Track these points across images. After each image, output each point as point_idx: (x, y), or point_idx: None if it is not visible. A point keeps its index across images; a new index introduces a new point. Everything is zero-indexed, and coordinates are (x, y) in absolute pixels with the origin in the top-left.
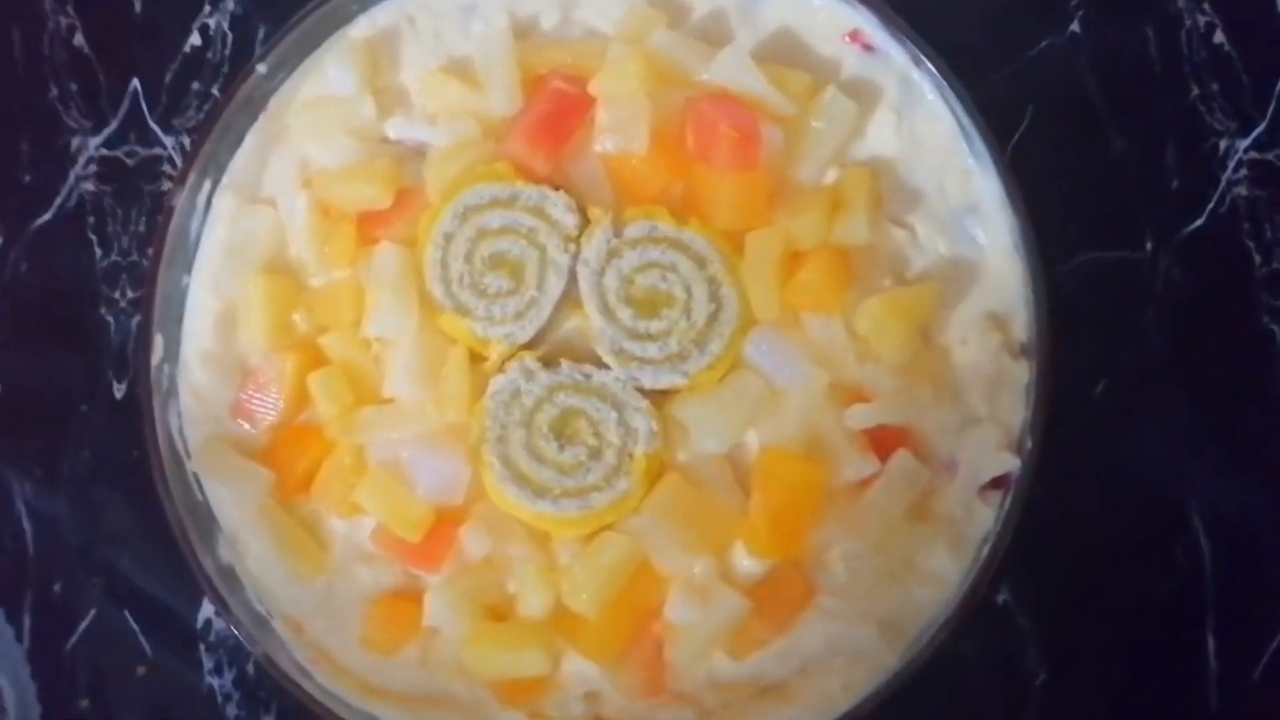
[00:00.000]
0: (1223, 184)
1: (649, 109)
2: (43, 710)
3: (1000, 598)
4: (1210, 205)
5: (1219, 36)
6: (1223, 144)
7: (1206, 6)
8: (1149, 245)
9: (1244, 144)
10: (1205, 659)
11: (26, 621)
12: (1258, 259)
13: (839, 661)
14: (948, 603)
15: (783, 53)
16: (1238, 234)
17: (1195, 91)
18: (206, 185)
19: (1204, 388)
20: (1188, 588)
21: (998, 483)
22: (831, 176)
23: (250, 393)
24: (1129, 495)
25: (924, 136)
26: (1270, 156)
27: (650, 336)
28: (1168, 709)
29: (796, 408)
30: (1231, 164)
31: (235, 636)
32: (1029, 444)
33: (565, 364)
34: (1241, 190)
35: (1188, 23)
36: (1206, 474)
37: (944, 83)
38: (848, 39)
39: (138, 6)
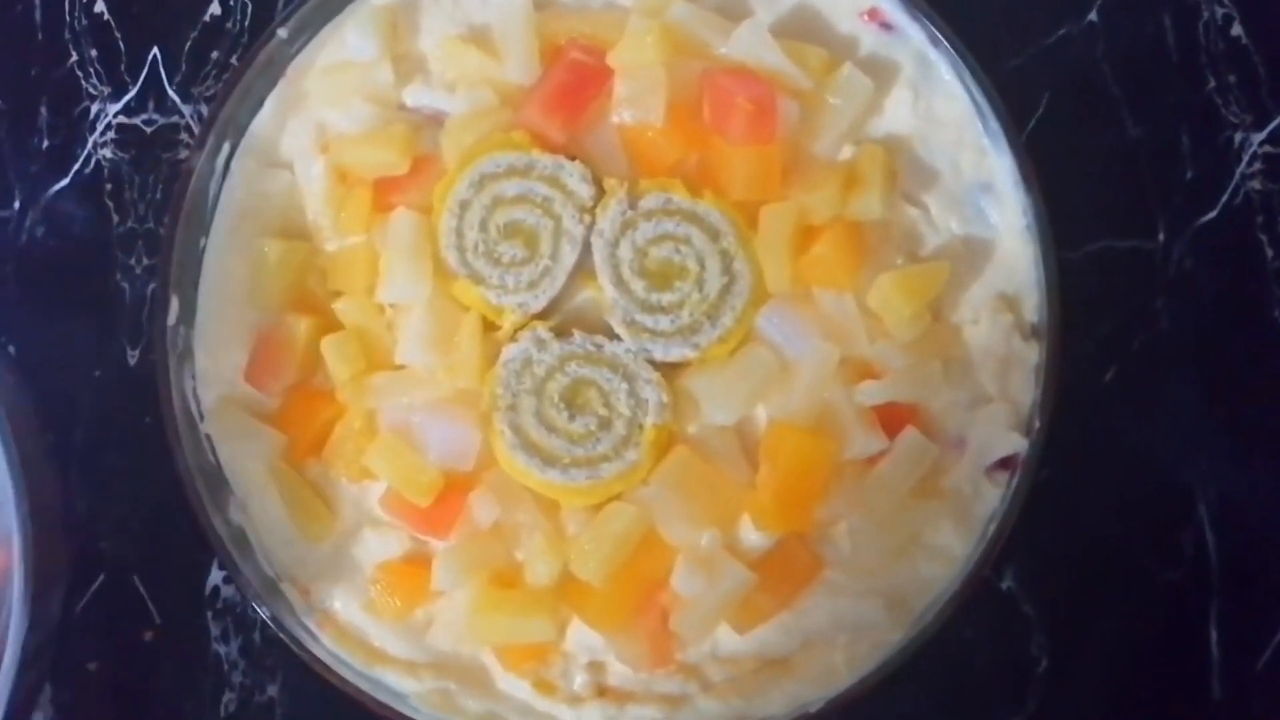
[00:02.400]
0: (1237, 176)
1: (666, 81)
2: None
3: (1005, 584)
4: (1224, 197)
5: (1236, 28)
6: (1238, 136)
7: None
8: (1162, 235)
9: (1259, 137)
10: (1208, 649)
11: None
12: (1270, 253)
13: (843, 636)
14: (953, 580)
15: (801, 29)
16: (1251, 227)
17: (1212, 83)
18: (225, 148)
19: (1214, 379)
20: (1193, 577)
21: (1005, 463)
22: (847, 153)
23: (263, 355)
24: (1136, 484)
25: (940, 115)
26: None
27: (662, 308)
28: (1170, 698)
29: (807, 382)
30: (1246, 157)
31: (243, 604)
32: (1037, 424)
33: (577, 334)
34: (1255, 184)
35: (1205, 14)
36: (1214, 464)
37: (960, 62)
38: (865, 17)
39: None
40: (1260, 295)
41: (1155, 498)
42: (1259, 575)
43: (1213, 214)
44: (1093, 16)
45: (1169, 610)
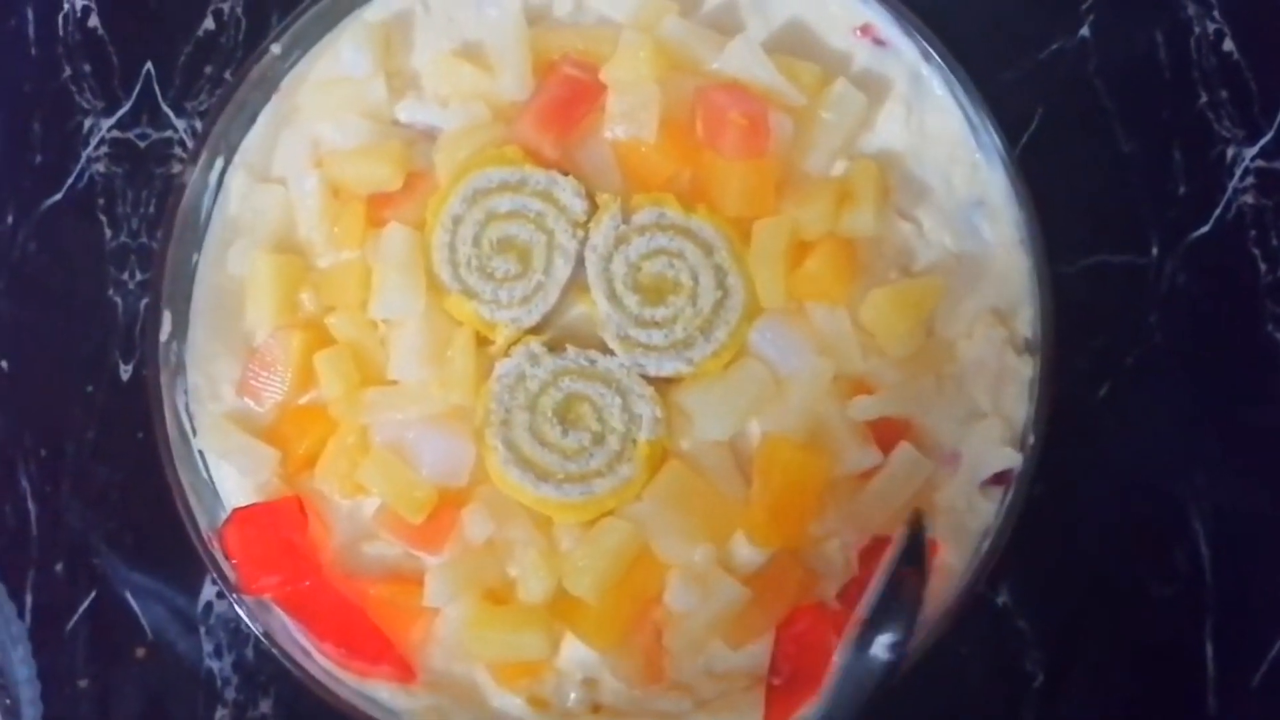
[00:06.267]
0: (1229, 191)
1: (659, 96)
2: (42, 688)
3: (999, 599)
4: (1217, 212)
5: (1228, 44)
6: (1230, 151)
7: (1217, 14)
8: (1155, 250)
9: (1251, 152)
10: (1204, 664)
11: (28, 599)
12: (1263, 267)
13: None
14: (947, 596)
15: (793, 44)
16: (1244, 242)
17: (1204, 98)
18: (218, 163)
19: (1208, 394)
20: (1187, 592)
21: (1000, 478)
22: (840, 168)
23: (256, 370)
24: (1130, 499)
25: (932, 130)
26: (1277, 165)
27: (656, 323)
28: (1165, 714)
29: (800, 397)
30: (1239, 172)
31: (236, 620)
32: (1031, 439)
33: (571, 349)
34: (1248, 198)
35: (1197, 29)
36: (1208, 479)
37: (953, 77)
38: (858, 33)
39: None
40: (1253, 310)
41: (1150, 513)
42: (1254, 591)
43: (1205, 229)
44: (1085, 31)
45: (1164, 626)
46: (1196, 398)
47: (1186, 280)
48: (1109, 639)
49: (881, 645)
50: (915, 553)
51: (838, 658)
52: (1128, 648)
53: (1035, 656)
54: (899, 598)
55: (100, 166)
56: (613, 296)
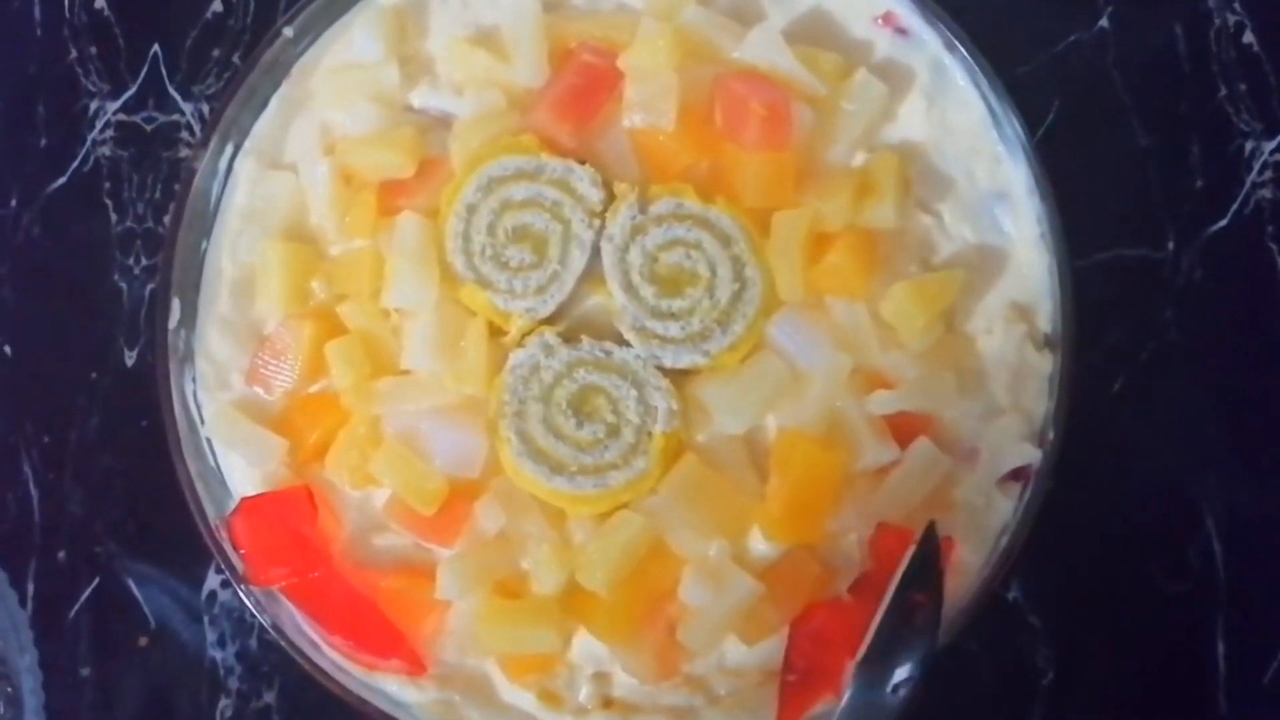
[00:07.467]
0: (1247, 185)
1: (678, 85)
2: (44, 677)
3: (1010, 595)
4: (1234, 206)
5: (1248, 36)
6: (1248, 145)
7: (1237, 6)
8: (1171, 244)
9: (1270, 146)
10: (1215, 662)
11: (30, 587)
12: None
13: None
14: (964, 593)
15: (814, 33)
16: (1261, 236)
17: (1223, 91)
18: (228, 149)
19: (1223, 390)
20: (1199, 590)
21: (1018, 474)
22: (860, 159)
23: (265, 359)
24: (1143, 494)
25: (954, 122)
26: None
27: (673, 315)
28: (1176, 711)
29: (818, 391)
30: (1257, 165)
31: (240, 610)
32: (1051, 436)
33: (586, 340)
34: (1266, 193)
35: (1217, 21)
36: (1221, 475)
37: (976, 68)
38: (880, 22)
39: None
40: (1270, 306)
41: (1162, 509)
42: (1266, 589)
43: (1223, 223)
44: (1104, 23)
45: (1175, 623)
46: (1211, 394)
47: (1203, 275)
48: (1120, 636)
49: (894, 684)
50: (928, 575)
51: (845, 699)
52: (1138, 645)
53: (1045, 653)
54: (911, 627)
55: (106, 150)
56: (629, 287)
